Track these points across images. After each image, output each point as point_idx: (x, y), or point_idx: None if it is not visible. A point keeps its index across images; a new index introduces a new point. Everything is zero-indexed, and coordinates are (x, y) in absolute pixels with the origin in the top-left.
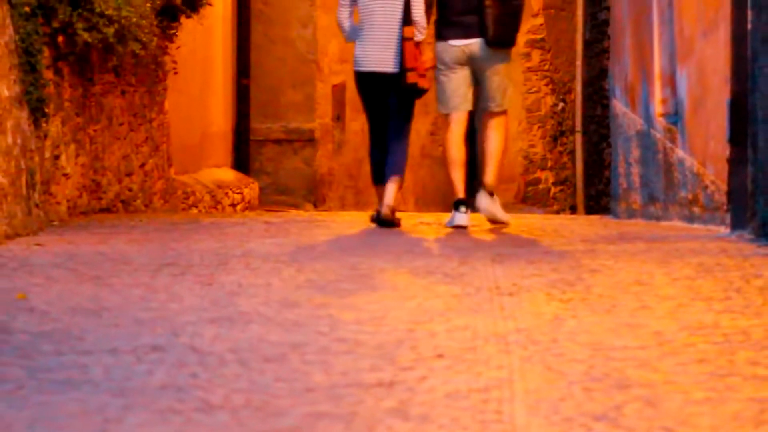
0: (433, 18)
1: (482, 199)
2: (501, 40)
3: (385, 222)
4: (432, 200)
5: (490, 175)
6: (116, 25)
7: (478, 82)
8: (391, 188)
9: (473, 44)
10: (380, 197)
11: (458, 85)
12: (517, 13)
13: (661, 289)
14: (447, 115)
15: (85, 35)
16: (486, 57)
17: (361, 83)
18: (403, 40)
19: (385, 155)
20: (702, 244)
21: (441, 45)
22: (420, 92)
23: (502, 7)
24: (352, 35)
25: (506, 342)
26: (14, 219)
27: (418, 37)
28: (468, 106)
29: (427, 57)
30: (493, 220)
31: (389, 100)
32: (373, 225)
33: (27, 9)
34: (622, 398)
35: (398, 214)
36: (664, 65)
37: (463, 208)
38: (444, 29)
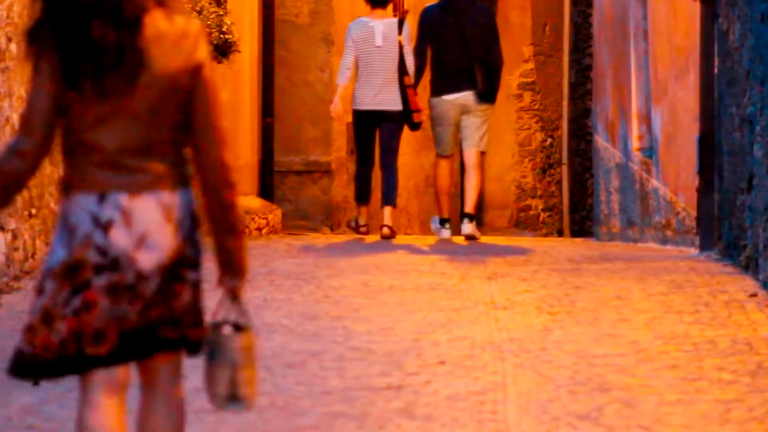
0: (428, 77)
1: (464, 226)
2: (487, 94)
3: (387, 238)
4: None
5: (469, 206)
6: None
7: (463, 128)
8: (387, 212)
9: (461, 97)
10: (363, 213)
11: (448, 135)
12: (497, 74)
13: (638, 303)
14: (439, 155)
15: None
16: (471, 108)
17: (359, 119)
18: (406, 87)
19: (370, 176)
20: (674, 264)
21: (436, 99)
22: (419, 125)
23: (486, 69)
24: (343, 80)
25: (501, 350)
26: None
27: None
28: (454, 150)
29: (418, 101)
30: (469, 237)
31: (381, 134)
32: (359, 236)
33: None
34: (604, 400)
35: (405, 237)
36: (640, 105)
37: (447, 225)
38: (438, 86)
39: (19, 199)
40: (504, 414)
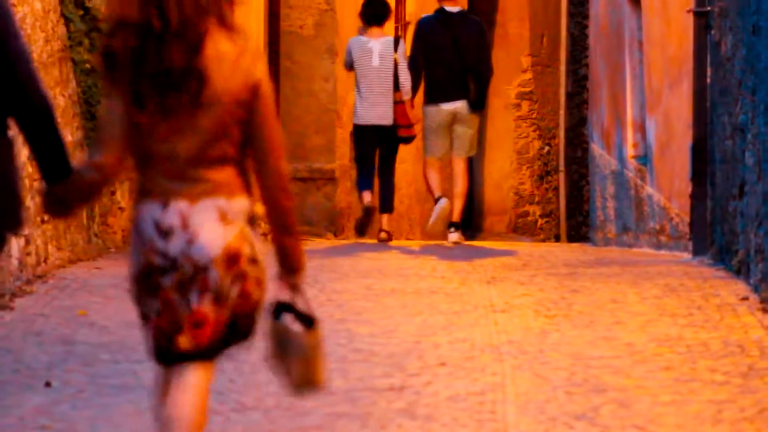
0: (422, 87)
1: (451, 235)
2: (478, 104)
3: (383, 241)
4: (436, 231)
5: (456, 214)
6: None
7: (455, 137)
8: (385, 219)
9: (457, 106)
10: (361, 199)
11: (441, 139)
12: (487, 83)
13: (633, 306)
14: (428, 158)
15: None
16: (464, 116)
17: (358, 133)
18: (396, 103)
19: (371, 183)
20: (668, 268)
21: (430, 107)
22: (410, 139)
23: (478, 80)
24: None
25: (500, 352)
26: (76, 246)
27: (405, 98)
28: (445, 153)
29: (414, 113)
30: (456, 243)
31: (380, 146)
32: (362, 240)
33: (87, 65)
34: (599, 400)
35: (407, 242)
36: (635, 114)
37: (442, 200)
38: (432, 94)
39: (32, 206)
40: (503, 414)
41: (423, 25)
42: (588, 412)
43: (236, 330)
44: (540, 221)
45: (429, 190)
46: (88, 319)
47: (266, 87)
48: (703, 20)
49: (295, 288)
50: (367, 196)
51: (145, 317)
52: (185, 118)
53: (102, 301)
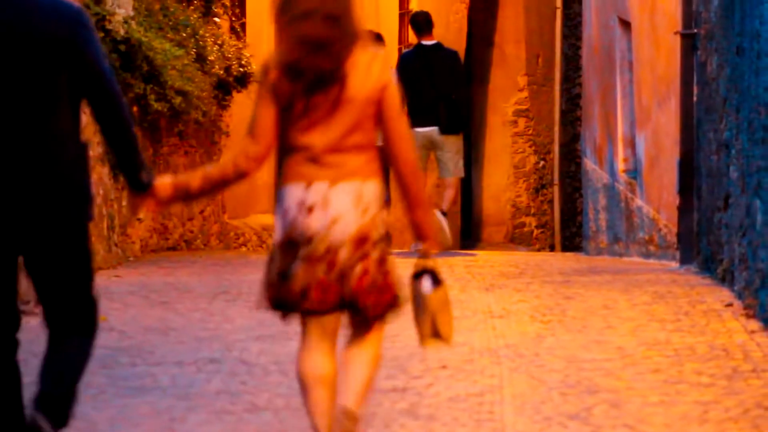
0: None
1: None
2: (450, 128)
3: None
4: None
5: (444, 204)
6: (181, 98)
7: (438, 161)
8: None
9: (430, 131)
10: None
11: (420, 161)
12: (459, 111)
13: (624, 312)
14: None
15: (156, 105)
16: (440, 139)
17: None
18: None
19: None
20: (657, 276)
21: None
22: None
23: (449, 107)
24: None
25: (497, 355)
26: (97, 255)
27: None
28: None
29: None
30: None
31: None
32: None
33: None
34: (592, 401)
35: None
36: (625, 130)
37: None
38: (412, 120)
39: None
40: (500, 414)
41: (403, 58)
42: (581, 412)
43: (357, 303)
44: (536, 232)
45: None
46: (108, 324)
47: (393, 87)
48: (689, 42)
49: (426, 254)
50: None
51: (284, 274)
52: (326, 115)
53: (121, 308)
